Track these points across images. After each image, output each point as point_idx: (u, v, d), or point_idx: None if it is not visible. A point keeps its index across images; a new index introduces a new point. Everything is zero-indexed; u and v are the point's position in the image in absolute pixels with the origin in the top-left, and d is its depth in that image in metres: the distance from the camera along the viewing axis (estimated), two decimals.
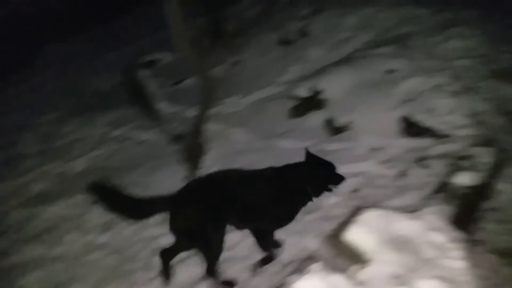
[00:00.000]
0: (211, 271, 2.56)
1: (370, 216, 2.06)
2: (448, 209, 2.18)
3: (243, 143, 4.69)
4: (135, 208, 2.66)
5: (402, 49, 4.78)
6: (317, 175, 2.57)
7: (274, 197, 2.57)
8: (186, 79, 6.23)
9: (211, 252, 2.53)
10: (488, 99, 3.83)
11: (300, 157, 2.67)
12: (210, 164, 4.37)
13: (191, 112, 4.89)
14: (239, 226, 2.77)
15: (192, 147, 4.40)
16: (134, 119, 5.91)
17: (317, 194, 2.64)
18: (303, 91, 4.84)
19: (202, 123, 4.37)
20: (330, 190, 2.66)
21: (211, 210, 2.48)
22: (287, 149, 4.24)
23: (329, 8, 6.15)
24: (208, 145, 4.53)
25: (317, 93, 4.72)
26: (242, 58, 6.24)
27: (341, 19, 5.79)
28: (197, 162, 4.36)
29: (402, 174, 3.30)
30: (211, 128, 4.70)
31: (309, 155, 2.64)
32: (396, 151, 3.68)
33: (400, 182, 3.25)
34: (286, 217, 2.69)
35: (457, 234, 1.98)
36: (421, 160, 3.36)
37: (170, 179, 4.09)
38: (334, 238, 2.15)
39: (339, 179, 2.64)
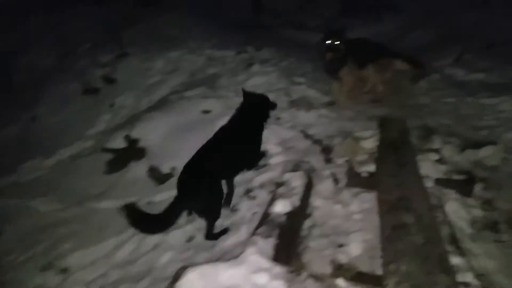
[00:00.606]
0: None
1: (191, 277, 1.81)
2: (269, 244, 2.15)
3: (50, 214, 3.86)
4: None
5: (213, 89, 4.99)
6: (260, 107, 3.37)
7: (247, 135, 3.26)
8: None
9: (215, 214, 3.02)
10: (292, 126, 4.27)
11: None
12: (7, 250, 3.44)
13: None
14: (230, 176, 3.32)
15: None
16: None
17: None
18: (118, 142, 4.50)
19: None
20: (268, 116, 3.46)
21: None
22: (109, 209, 3.70)
23: (133, 52, 5.97)
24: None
25: (134, 142, 4.41)
26: (39, 113, 5.33)
27: (149, 63, 5.69)
28: None
29: (234, 210, 3.26)
30: (1, 204, 3.72)
31: (246, 93, 3.38)
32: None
33: (233, 218, 3.20)
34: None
35: (279, 268, 1.93)
36: (249, 192, 3.40)
37: None
38: None
39: (273, 105, 3.50)
